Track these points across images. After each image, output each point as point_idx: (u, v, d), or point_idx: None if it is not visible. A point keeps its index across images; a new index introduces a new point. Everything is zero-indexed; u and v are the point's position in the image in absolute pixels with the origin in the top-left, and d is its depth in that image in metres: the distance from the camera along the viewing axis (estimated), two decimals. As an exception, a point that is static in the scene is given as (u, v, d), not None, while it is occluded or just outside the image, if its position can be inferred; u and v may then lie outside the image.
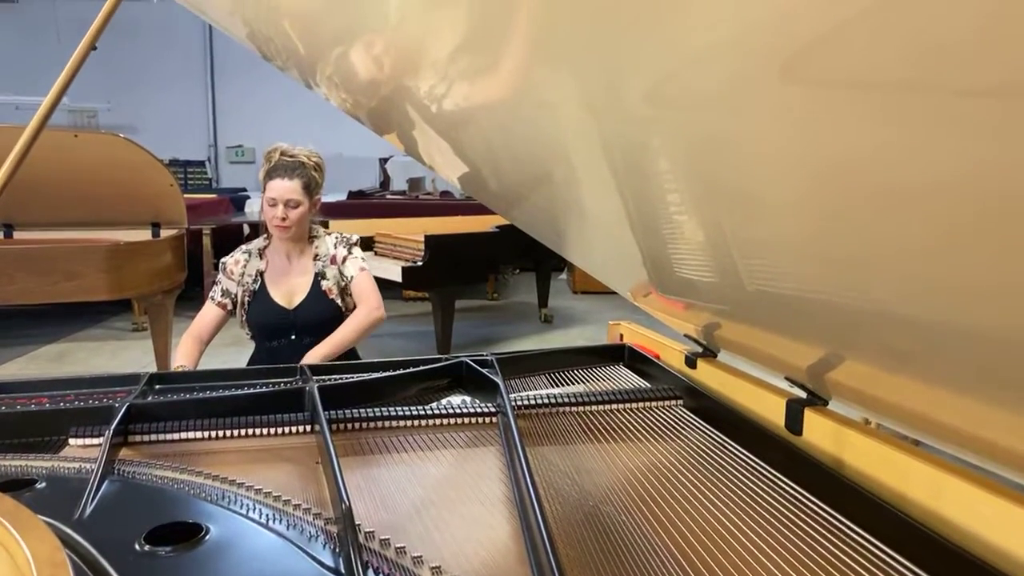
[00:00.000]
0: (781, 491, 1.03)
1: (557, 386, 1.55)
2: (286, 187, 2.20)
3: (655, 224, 1.06)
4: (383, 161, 10.02)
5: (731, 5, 0.50)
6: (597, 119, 0.86)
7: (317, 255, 2.33)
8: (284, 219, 2.21)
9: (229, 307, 2.31)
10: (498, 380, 1.38)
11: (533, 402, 1.39)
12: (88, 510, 0.96)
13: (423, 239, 4.64)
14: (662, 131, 0.77)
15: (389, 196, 8.69)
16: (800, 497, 1.00)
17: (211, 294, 2.33)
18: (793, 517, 0.96)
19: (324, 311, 2.29)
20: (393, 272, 4.56)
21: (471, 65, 1.01)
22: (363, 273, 2.34)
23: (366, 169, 10.22)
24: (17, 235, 4.19)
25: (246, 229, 6.67)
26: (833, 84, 0.49)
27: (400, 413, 1.32)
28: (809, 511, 0.97)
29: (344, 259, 2.33)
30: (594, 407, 1.40)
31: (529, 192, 1.46)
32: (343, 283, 2.32)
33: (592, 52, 0.71)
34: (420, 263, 4.63)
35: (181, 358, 2.21)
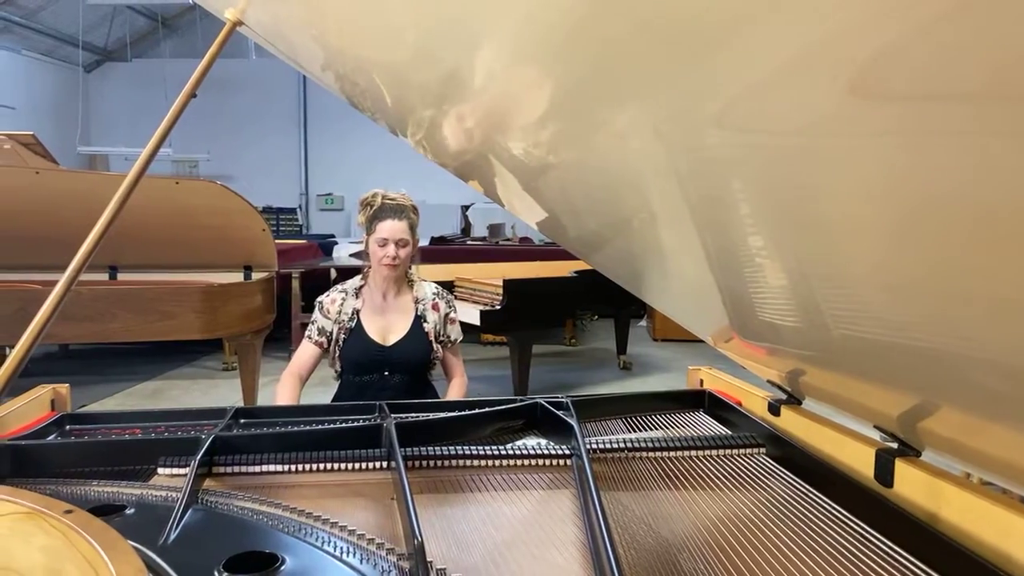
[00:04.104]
0: (871, 545, 0.97)
1: (634, 431, 1.52)
2: (397, 227, 2.31)
3: (734, 261, 1.04)
4: (464, 208, 10.21)
5: (796, 23, 0.49)
6: (670, 149, 0.85)
7: (417, 298, 2.42)
8: (395, 258, 2.31)
9: (325, 345, 2.39)
10: (573, 422, 1.36)
11: (609, 446, 1.36)
12: (172, 537, 1.00)
13: (502, 284, 4.68)
14: (736, 158, 0.76)
15: (470, 242, 8.83)
16: (892, 552, 0.95)
17: (308, 333, 2.40)
18: (884, 573, 0.91)
19: (419, 350, 2.37)
20: (472, 316, 4.60)
21: (549, 109, 1.02)
22: (459, 345, 2.49)
23: (448, 216, 10.43)
24: (120, 276, 4.44)
25: (333, 273, 6.86)
26: (913, 98, 0.47)
27: (474, 452, 1.32)
28: (902, 567, 0.91)
29: (448, 317, 2.45)
30: (672, 453, 1.36)
31: (607, 234, 1.45)
32: (443, 336, 2.43)
33: (662, 81, 0.71)
34: (498, 307, 4.66)
35: (284, 399, 2.29)
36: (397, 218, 2.31)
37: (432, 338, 2.39)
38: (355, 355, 2.35)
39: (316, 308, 2.42)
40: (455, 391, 2.42)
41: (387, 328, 2.38)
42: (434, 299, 2.44)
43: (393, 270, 2.34)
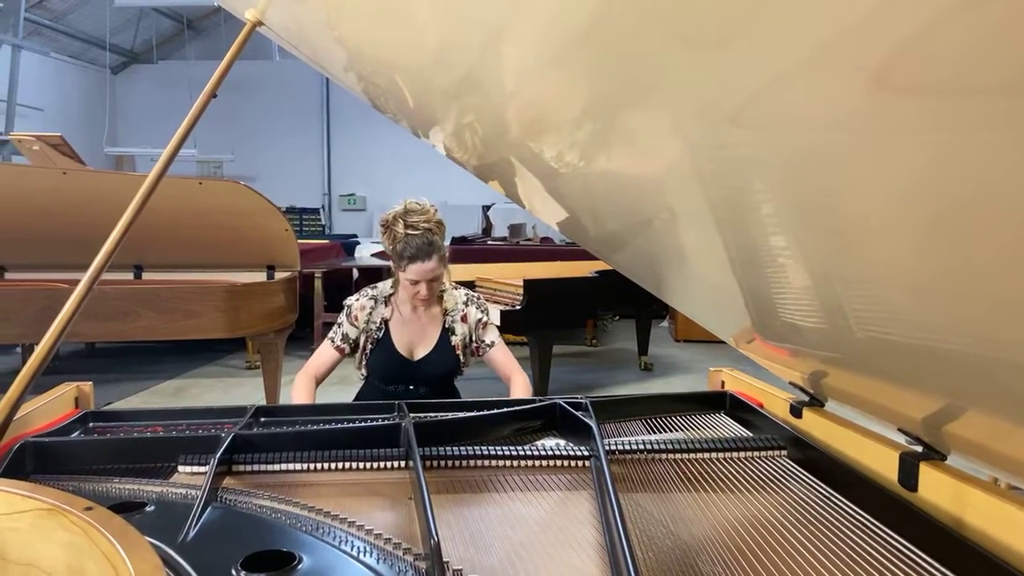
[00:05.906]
0: (894, 550, 0.96)
1: (654, 433, 1.51)
2: (427, 268, 2.19)
3: (756, 262, 1.02)
4: (486, 208, 10.22)
5: (815, 14, 0.48)
6: (690, 149, 0.84)
7: (446, 310, 2.36)
8: (428, 293, 2.24)
9: (347, 351, 2.34)
10: (591, 423, 1.35)
11: (628, 447, 1.35)
12: (191, 534, 1.00)
13: (522, 284, 4.67)
14: (757, 156, 0.74)
15: (491, 242, 8.84)
16: (916, 557, 0.93)
17: (331, 335, 2.35)
18: (908, 579, 0.89)
19: (446, 365, 2.33)
20: (492, 316, 4.60)
21: (569, 112, 1.02)
22: (501, 345, 2.39)
23: (469, 216, 10.44)
24: (145, 276, 4.49)
25: (355, 273, 6.90)
26: (940, 91, 0.46)
27: (492, 452, 1.32)
28: (926, 573, 0.89)
29: (480, 323, 2.37)
30: (692, 455, 1.35)
31: (628, 234, 1.44)
32: (473, 344, 2.37)
33: (681, 80, 0.70)
34: (519, 307, 4.66)
35: (298, 400, 2.26)
36: (426, 259, 2.17)
37: (460, 351, 2.33)
38: (382, 367, 2.32)
39: (343, 312, 2.35)
40: (520, 391, 2.30)
41: (414, 342, 2.33)
42: (464, 309, 2.36)
43: (427, 304, 2.30)
